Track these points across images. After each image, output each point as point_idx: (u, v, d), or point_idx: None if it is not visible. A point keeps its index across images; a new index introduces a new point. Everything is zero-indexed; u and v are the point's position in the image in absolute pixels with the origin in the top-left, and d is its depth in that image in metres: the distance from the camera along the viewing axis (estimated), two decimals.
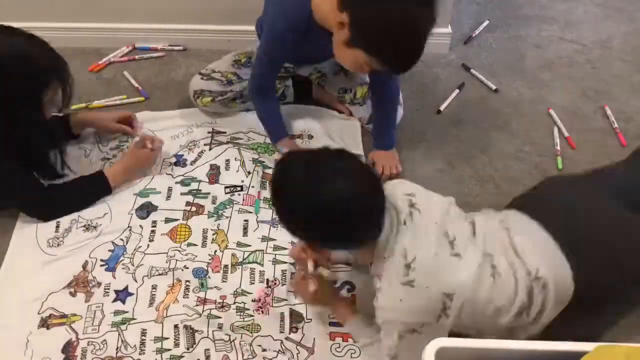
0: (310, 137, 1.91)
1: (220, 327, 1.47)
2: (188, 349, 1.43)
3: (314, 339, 1.45)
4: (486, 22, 2.28)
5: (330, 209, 1.11)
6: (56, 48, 1.51)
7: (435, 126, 1.96)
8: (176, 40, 2.24)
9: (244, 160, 1.81)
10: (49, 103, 1.55)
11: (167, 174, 1.79)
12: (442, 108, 2.01)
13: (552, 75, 2.14)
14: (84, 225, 1.67)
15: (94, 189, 1.72)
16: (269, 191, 1.24)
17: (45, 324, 1.48)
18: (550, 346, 1.06)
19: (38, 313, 1.50)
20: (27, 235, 1.65)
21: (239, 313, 1.49)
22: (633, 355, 0.97)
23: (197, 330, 1.46)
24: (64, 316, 1.50)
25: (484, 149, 1.90)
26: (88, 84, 2.11)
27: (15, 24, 2.18)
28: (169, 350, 1.43)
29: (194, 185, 1.76)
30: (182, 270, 1.57)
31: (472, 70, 2.14)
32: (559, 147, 1.89)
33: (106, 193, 1.72)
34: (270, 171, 1.79)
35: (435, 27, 2.15)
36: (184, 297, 1.52)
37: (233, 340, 1.44)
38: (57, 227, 1.67)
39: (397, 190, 1.27)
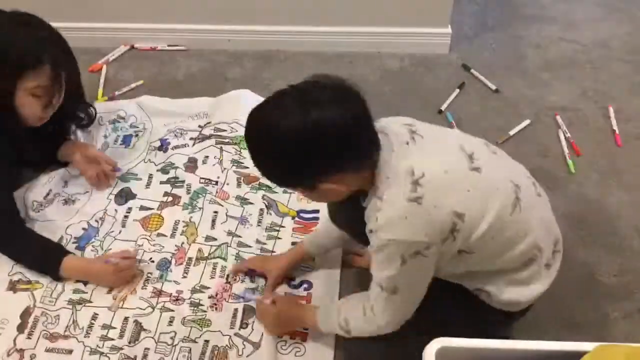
0: None
1: (171, 321, 1.48)
2: (130, 343, 1.44)
3: (262, 334, 1.45)
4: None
5: (323, 128, 1.01)
6: None
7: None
8: (176, 40, 2.24)
9: (222, 160, 1.82)
10: (30, 97, 1.50)
11: (150, 161, 1.82)
12: (442, 108, 2.01)
13: (552, 75, 2.14)
14: (64, 199, 1.72)
15: (45, 261, 1.53)
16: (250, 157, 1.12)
17: (13, 287, 1.53)
18: (550, 346, 1.07)
19: (8, 275, 1.55)
20: (19, 193, 1.70)
21: (192, 308, 1.51)
22: (633, 355, 0.97)
23: (144, 329, 1.46)
24: (29, 282, 1.54)
25: None
26: (88, 84, 2.10)
27: None
28: (112, 340, 1.45)
29: (172, 173, 1.79)
30: (148, 263, 1.59)
31: (472, 70, 2.14)
32: (566, 150, 1.88)
33: (52, 276, 1.53)
34: (246, 170, 1.79)
35: (435, 27, 2.21)
36: (142, 289, 1.54)
37: (175, 345, 1.44)
38: (48, 194, 1.72)
39: (391, 122, 1.16)
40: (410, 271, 1.10)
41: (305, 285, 1.55)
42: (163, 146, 1.86)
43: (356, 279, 1.56)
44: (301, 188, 1.14)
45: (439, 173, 1.07)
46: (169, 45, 2.24)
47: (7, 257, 1.55)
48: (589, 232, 1.68)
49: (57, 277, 1.53)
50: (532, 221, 1.16)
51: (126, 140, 1.88)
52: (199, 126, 1.92)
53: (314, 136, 1.01)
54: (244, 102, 1.94)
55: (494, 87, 2.08)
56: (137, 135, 1.90)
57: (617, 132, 1.94)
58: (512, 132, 1.94)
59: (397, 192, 1.05)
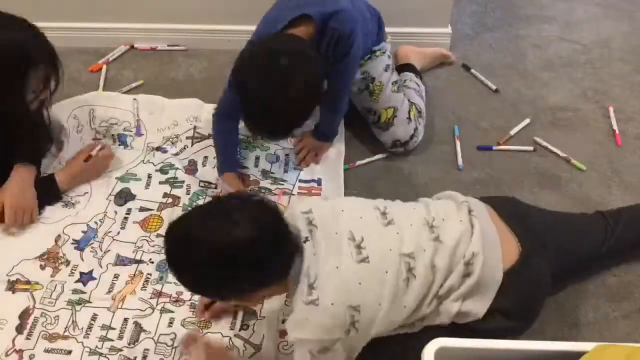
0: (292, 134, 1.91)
1: (171, 322, 1.48)
2: (129, 344, 1.44)
3: (263, 335, 1.45)
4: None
5: (233, 253, 1.08)
6: (56, 48, 1.52)
7: (435, 126, 1.96)
8: (176, 40, 2.24)
9: None
10: (35, 93, 1.51)
11: (149, 161, 1.83)
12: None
13: (552, 75, 2.14)
14: (64, 201, 1.72)
15: (44, 193, 1.67)
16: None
17: (12, 287, 1.54)
18: (550, 346, 1.07)
19: (7, 275, 1.55)
20: None
21: (192, 309, 1.50)
22: (633, 355, 0.97)
23: (144, 330, 1.47)
24: (28, 282, 1.55)
25: (484, 149, 1.90)
26: (88, 84, 2.11)
27: None
28: (112, 340, 1.45)
29: (171, 173, 1.79)
30: (147, 264, 1.59)
31: (472, 70, 2.14)
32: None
33: (55, 199, 1.70)
34: (246, 171, 1.81)
35: (435, 27, 2.20)
36: (141, 290, 1.54)
37: (175, 347, 1.44)
38: None
39: (296, 211, 1.26)
40: None
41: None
42: (161, 150, 1.87)
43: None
44: (230, 299, 1.25)
45: (331, 272, 1.15)
46: (169, 45, 2.24)
47: None
48: None
49: (60, 197, 1.70)
50: (426, 284, 1.23)
51: (123, 140, 1.89)
52: (191, 123, 1.94)
53: (244, 257, 1.08)
54: None
55: (494, 87, 2.08)
56: (132, 136, 1.91)
57: (617, 132, 1.94)
58: (512, 132, 1.93)
59: (298, 296, 1.15)
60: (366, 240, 1.20)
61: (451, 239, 1.25)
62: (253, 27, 1.85)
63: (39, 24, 2.24)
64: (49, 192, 1.69)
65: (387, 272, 1.18)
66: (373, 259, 1.18)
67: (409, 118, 1.82)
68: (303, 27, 1.55)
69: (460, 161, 1.85)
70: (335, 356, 1.17)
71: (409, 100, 1.85)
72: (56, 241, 1.63)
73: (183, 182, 1.77)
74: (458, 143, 1.90)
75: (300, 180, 1.79)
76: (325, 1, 1.57)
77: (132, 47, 2.24)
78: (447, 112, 2.01)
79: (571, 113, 2.01)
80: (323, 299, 1.12)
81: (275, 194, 1.76)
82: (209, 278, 1.12)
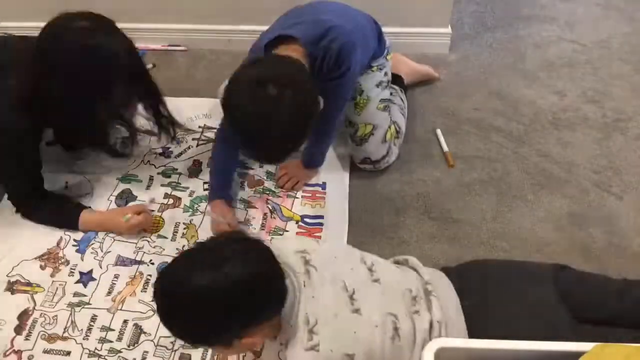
0: None
1: None
2: (129, 346, 1.44)
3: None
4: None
5: (244, 284, 1.07)
6: None
7: (435, 126, 1.96)
8: (176, 40, 2.24)
9: None
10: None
11: (150, 163, 1.83)
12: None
13: (552, 75, 2.14)
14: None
15: (65, 220, 1.66)
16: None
17: (11, 288, 1.54)
18: (550, 346, 1.07)
19: (7, 275, 1.56)
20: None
21: None
22: (633, 355, 0.97)
23: (144, 332, 1.46)
24: (29, 284, 1.55)
25: (485, 149, 1.90)
26: None
27: (15, 24, 2.19)
28: (111, 342, 1.45)
29: (174, 177, 1.80)
30: (148, 265, 1.59)
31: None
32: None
33: (73, 228, 1.66)
34: (250, 172, 1.81)
35: (435, 27, 2.20)
36: (142, 291, 1.54)
37: (175, 350, 1.43)
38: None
39: (287, 248, 1.24)
40: None
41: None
42: (165, 153, 1.87)
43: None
44: (219, 345, 1.17)
45: (330, 319, 1.15)
46: (169, 45, 2.24)
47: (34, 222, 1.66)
48: (589, 232, 1.68)
49: (77, 229, 1.65)
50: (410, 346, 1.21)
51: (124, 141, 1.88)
52: (199, 127, 1.93)
53: (237, 293, 1.06)
54: None
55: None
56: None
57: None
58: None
59: (297, 342, 1.12)
60: (357, 294, 1.20)
61: (427, 320, 1.24)
62: (253, 27, 1.86)
63: (40, 24, 2.24)
64: (68, 222, 1.66)
65: (376, 326, 1.18)
66: (364, 311, 1.18)
67: (385, 139, 1.76)
68: (296, 45, 1.49)
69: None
70: None
71: (390, 119, 1.80)
72: (58, 243, 1.63)
73: (187, 187, 1.77)
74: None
75: (305, 183, 1.79)
76: (319, 20, 1.53)
77: None
78: (447, 112, 2.01)
79: (571, 113, 2.01)
80: (323, 345, 1.12)
81: (279, 196, 1.75)
82: (199, 325, 1.09)
